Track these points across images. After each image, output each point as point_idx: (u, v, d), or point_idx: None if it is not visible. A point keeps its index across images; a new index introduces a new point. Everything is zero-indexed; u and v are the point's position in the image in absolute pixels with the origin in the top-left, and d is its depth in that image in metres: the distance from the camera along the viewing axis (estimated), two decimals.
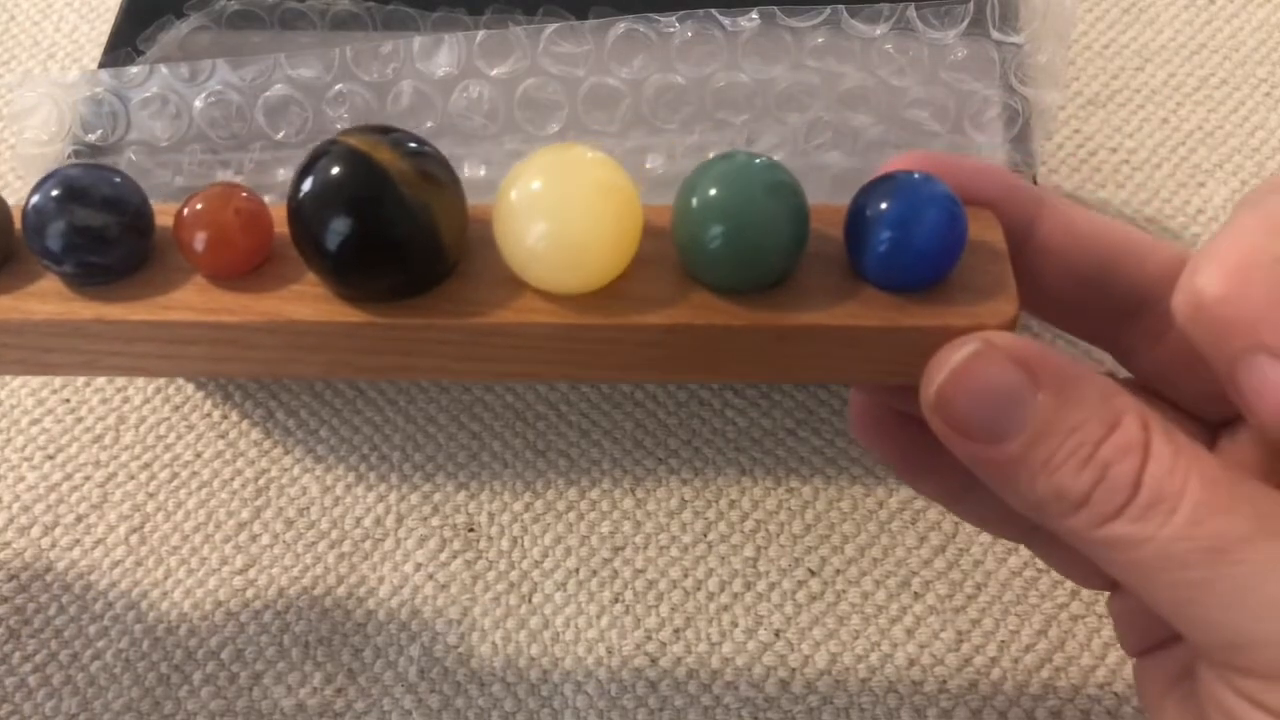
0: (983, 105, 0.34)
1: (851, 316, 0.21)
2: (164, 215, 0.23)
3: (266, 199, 0.35)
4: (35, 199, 0.22)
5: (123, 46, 0.36)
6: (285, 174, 0.35)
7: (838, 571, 0.33)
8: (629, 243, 0.22)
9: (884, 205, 0.21)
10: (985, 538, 0.33)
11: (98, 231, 0.22)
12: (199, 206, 0.22)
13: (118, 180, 0.22)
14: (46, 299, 0.23)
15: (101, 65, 0.36)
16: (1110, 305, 0.23)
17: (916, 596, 0.33)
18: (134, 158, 0.34)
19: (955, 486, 0.25)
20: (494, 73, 0.34)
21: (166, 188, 0.34)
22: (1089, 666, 0.31)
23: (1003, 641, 0.32)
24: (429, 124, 0.35)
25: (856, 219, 0.21)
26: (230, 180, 0.22)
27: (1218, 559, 0.18)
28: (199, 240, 0.22)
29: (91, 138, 0.34)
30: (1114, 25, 0.45)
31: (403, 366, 0.23)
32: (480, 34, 0.34)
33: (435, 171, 0.22)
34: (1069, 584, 0.32)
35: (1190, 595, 0.18)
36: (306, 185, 0.21)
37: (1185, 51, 0.44)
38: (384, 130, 0.22)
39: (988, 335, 0.20)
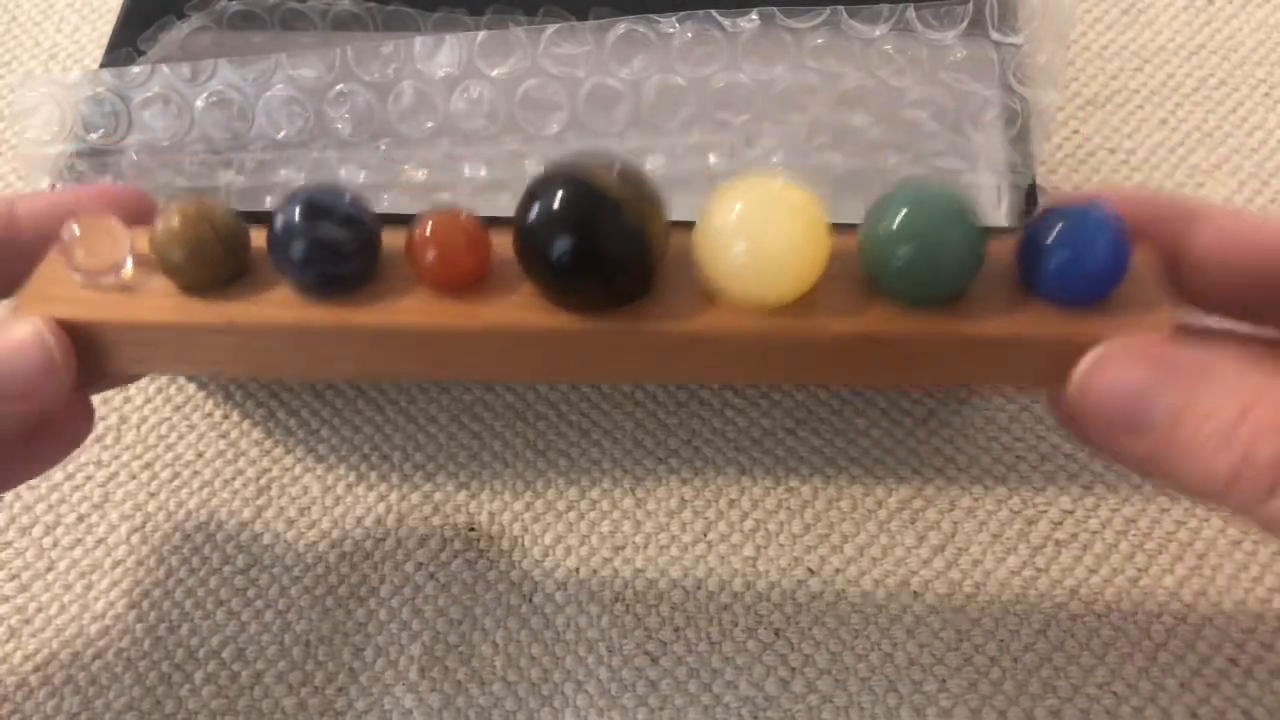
0: (982, 106, 0.34)
1: (1026, 327, 0.24)
2: (388, 237, 0.26)
3: (267, 200, 0.35)
4: (281, 218, 0.25)
5: (124, 46, 0.37)
6: (286, 174, 0.35)
7: (837, 570, 0.33)
8: (819, 258, 0.24)
9: (1058, 228, 0.23)
10: (984, 536, 0.33)
11: (337, 246, 0.25)
12: (429, 228, 0.25)
13: (352, 200, 0.25)
14: (287, 306, 0.25)
15: (103, 65, 0.36)
16: None
17: (916, 595, 0.33)
18: (135, 157, 0.34)
19: None
20: (494, 73, 0.34)
21: (168, 187, 0.34)
22: (1089, 666, 0.31)
23: (1002, 641, 0.32)
24: (430, 124, 0.35)
25: (1032, 241, 0.24)
26: (452, 207, 0.26)
27: None
28: (430, 256, 0.25)
29: (93, 137, 0.34)
30: (1112, 26, 0.45)
31: (608, 372, 0.26)
32: (481, 34, 0.34)
33: (650, 196, 0.24)
34: (1068, 583, 0.33)
35: None
36: (536, 207, 0.24)
37: (1184, 52, 0.44)
38: (599, 156, 0.24)
39: (1118, 340, 0.22)
